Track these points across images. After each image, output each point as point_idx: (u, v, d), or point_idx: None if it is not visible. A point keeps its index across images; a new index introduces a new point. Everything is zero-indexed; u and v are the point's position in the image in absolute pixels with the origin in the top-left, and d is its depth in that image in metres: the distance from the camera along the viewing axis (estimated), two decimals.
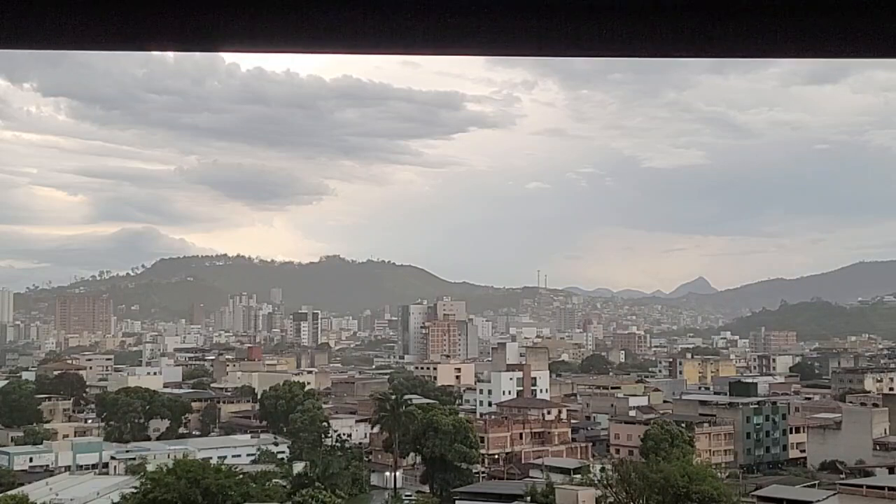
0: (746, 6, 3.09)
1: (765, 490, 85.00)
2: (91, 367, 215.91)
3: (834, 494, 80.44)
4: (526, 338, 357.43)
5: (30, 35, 3.15)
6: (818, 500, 78.65)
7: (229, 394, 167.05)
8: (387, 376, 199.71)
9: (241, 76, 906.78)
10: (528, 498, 74.07)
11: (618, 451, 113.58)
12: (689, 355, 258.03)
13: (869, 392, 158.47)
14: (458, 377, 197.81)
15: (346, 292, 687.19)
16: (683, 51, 3.23)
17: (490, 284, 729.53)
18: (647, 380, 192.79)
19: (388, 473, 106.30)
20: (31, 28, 3.12)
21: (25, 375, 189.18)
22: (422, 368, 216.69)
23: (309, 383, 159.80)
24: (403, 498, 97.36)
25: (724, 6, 3.09)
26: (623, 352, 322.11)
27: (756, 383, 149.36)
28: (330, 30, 3.15)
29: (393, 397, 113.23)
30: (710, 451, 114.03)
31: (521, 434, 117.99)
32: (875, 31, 3.12)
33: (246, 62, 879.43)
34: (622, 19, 3.11)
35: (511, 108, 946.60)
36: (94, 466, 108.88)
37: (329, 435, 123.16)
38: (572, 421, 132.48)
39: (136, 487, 72.73)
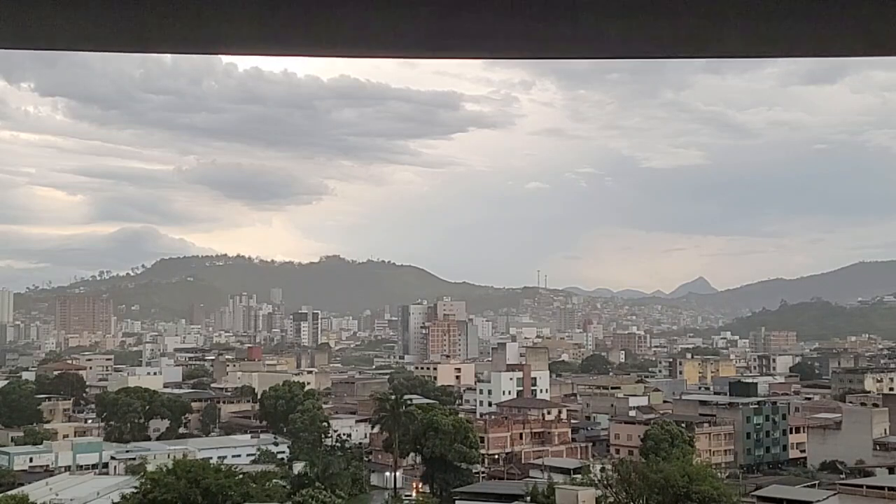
0: (744, 6, 3.10)
1: (765, 490, 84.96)
2: (91, 367, 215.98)
3: (834, 494, 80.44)
4: (526, 338, 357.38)
5: (32, 36, 3.16)
6: (818, 500, 78.64)
7: (229, 394, 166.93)
8: (387, 376, 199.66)
9: (238, 76, 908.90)
10: (529, 498, 74.01)
11: (618, 451, 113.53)
12: (689, 355, 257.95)
13: (869, 392, 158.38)
14: (458, 377, 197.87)
15: (346, 292, 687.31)
16: (681, 52, 3.24)
17: (490, 284, 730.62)
18: (647, 380, 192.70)
19: (388, 473, 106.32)
20: (34, 29, 3.13)
21: (25, 375, 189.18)
22: (422, 368, 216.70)
23: (309, 383, 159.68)
24: (403, 498, 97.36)
25: (722, 7, 3.09)
26: (623, 352, 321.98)
27: (756, 383, 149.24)
28: (329, 34, 3.15)
29: (393, 397, 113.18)
30: (710, 451, 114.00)
31: (521, 434, 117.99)
32: (873, 29, 3.13)
33: (243, 62, 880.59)
34: (620, 21, 3.11)
35: (509, 107, 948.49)
36: (94, 466, 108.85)
37: (329, 435, 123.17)
38: (572, 421, 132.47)
39: (136, 487, 72.74)
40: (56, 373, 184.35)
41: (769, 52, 3.30)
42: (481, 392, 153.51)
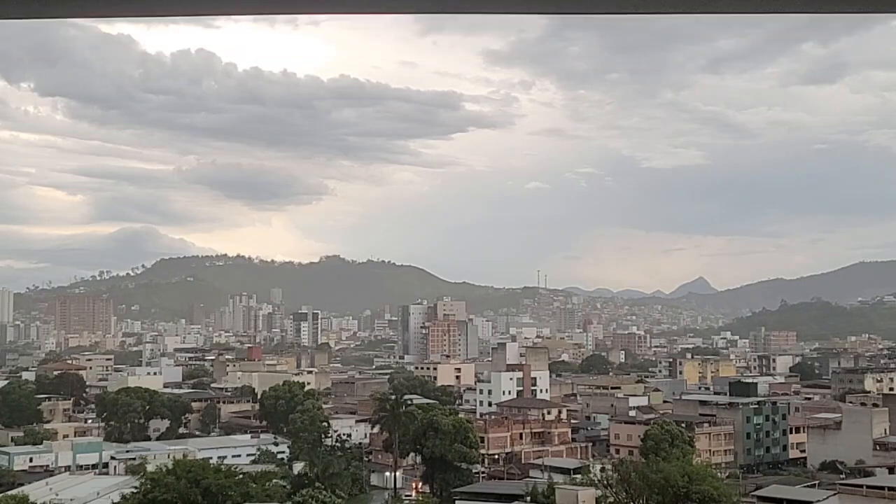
0: None
1: (765, 490, 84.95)
2: (91, 367, 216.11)
3: (834, 494, 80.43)
4: (526, 338, 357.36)
5: (28, 3, 3.13)
6: (818, 500, 78.62)
7: (229, 394, 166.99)
8: (387, 376, 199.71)
9: (238, 76, 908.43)
10: (528, 498, 73.99)
11: (618, 451, 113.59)
12: (689, 355, 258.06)
13: (869, 392, 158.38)
14: (458, 377, 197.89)
15: (346, 292, 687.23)
16: (675, 6, 3.23)
17: (490, 284, 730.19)
18: (647, 380, 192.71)
19: (388, 473, 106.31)
20: None
21: (25, 375, 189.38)
22: (422, 368, 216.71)
23: (309, 383, 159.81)
24: (403, 498, 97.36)
25: None
26: (623, 352, 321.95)
27: (756, 383, 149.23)
28: None
29: (393, 397, 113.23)
30: (710, 451, 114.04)
31: (521, 434, 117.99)
32: None
33: (242, 62, 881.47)
34: None
35: (509, 107, 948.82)
36: (94, 466, 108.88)
37: (329, 435, 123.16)
38: (572, 421, 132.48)
39: (136, 487, 72.66)
40: (56, 373, 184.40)
41: (761, 8, 3.29)
42: (481, 392, 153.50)
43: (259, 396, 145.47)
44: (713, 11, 3.29)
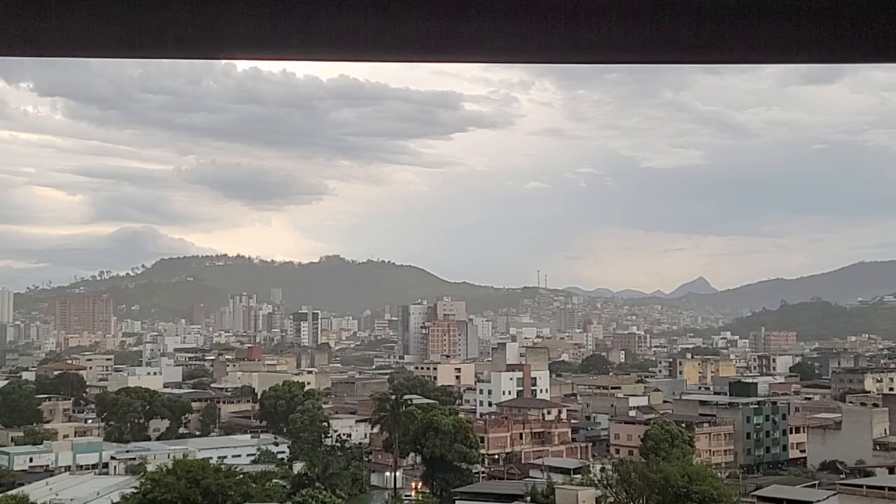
0: (743, 11, 3.09)
1: (765, 490, 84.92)
2: (91, 367, 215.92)
3: (834, 494, 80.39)
4: (526, 338, 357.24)
5: (32, 42, 3.11)
6: (818, 500, 78.60)
7: (229, 394, 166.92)
8: (387, 376, 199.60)
9: (237, 76, 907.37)
10: (528, 498, 73.99)
11: (618, 451, 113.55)
12: (689, 355, 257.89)
13: (869, 392, 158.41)
14: (458, 377, 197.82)
15: (346, 292, 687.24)
16: (680, 56, 3.23)
17: (490, 284, 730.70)
18: (647, 380, 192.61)
19: (388, 473, 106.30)
20: (29, 36, 3.10)
21: (25, 375, 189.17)
22: (422, 368, 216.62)
23: (309, 383, 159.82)
24: (403, 498, 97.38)
25: (722, 11, 3.09)
26: (623, 352, 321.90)
27: (756, 383, 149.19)
28: (327, 37, 3.15)
29: (393, 397, 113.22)
30: (710, 451, 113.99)
31: (521, 434, 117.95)
32: (874, 34, 3.11)
33: (242, 62, 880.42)
34: (619, 25, 3.10)
35: (509, 107, 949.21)
36: (94, 466, 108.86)
37: (329, 435, 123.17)
38: (572, 421, 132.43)
39: (136, 487, 72.67)
40: (56, 373, 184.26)
41: (769, 59, 3.29)
42: (481, 392, 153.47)
43: (259, 396, 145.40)
44: (716, 62, 3.29)
